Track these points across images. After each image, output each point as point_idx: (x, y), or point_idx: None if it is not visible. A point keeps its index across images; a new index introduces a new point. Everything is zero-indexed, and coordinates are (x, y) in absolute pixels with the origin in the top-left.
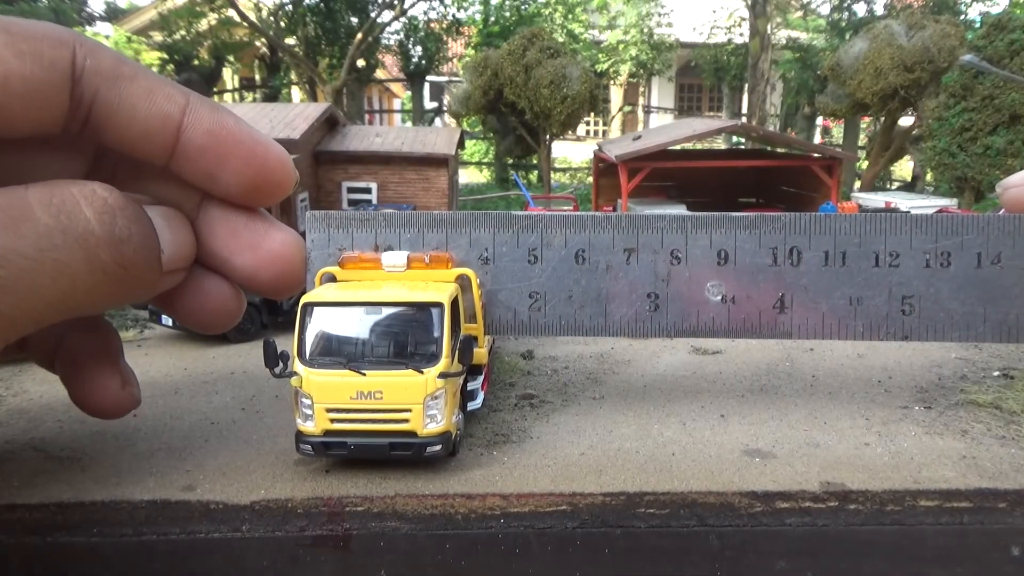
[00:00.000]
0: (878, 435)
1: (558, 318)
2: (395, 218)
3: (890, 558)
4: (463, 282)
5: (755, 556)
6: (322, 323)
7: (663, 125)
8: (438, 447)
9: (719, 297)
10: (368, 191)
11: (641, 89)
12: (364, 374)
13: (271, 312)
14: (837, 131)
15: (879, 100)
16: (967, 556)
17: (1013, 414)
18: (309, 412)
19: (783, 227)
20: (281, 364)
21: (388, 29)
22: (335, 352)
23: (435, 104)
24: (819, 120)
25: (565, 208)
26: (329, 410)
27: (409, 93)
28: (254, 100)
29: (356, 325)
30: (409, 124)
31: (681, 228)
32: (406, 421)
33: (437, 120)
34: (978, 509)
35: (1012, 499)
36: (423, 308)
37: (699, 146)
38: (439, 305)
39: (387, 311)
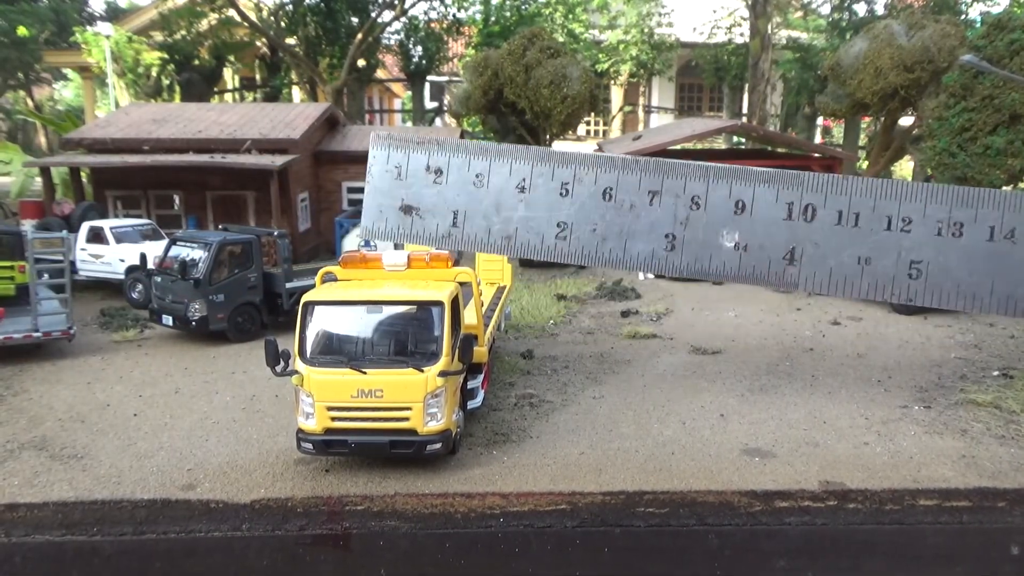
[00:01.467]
0: (878, 434)
1: (581, 248)
2: (447, 143)
3: (890, 557)
4: (465, 277)
5: (755, 555)
6: (323, 322)
7: (664, 125)
8: (438, 445)
9: (732, 244)
10: None
11: (642, 89)
12: (365, 372)
13: (271, 312)
14: (838, 131)
15: (879, 100)
16: (967, 555)
17: (1013, 413)
18: (310, 410)
19: (801, 184)
20: (282, 363)
21: (389, 29)
22: (336, 351)
23: (435, 104)
24: (819, 120)
25: None
26: (330, 408)
27: (409, 93)
28: (254, 100)
29: (357, 324)
30: (409, 124)
31: (704, 176)
32: (406, 419)
33: (437, 120)
34: (977, 508)
35: (1011, 498)
36: (423, 307)
37: (699, 146)
38: (439, 304)
39: (388, 310)
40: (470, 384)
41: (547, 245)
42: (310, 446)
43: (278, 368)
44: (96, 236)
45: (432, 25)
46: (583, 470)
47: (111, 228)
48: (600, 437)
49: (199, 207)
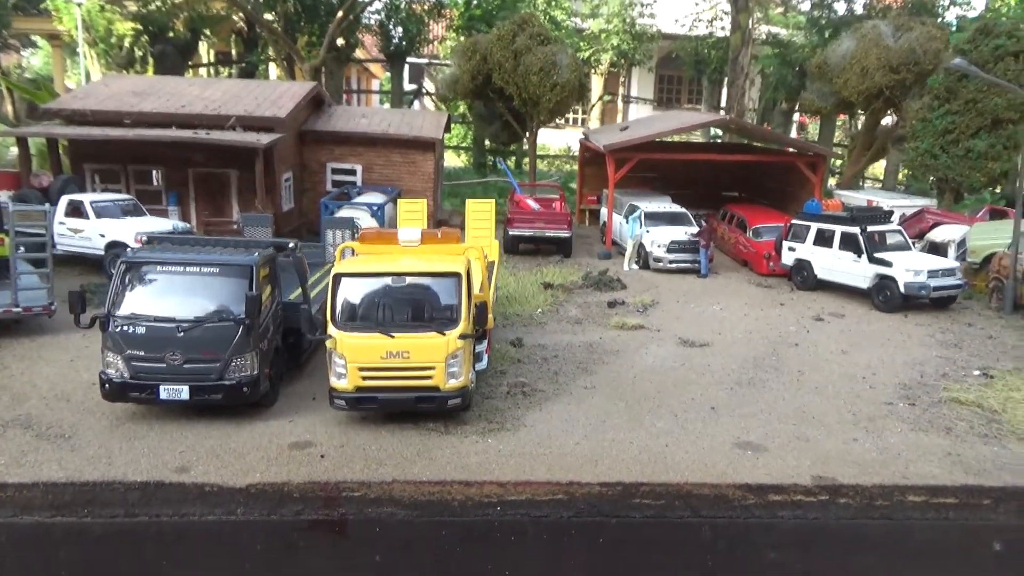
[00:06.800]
0: (865, 431)
1: None
2: None
3: (878, 551)
4: (471, 255)
5: (747, 547)
6: (351, 291)
7: (651, 116)
8: (458, 400)
9: None
10: (353, 172)
11: (621, 79)
12: (393, 336)
13: (291, 355)
14: (813, 127)
15: (864, 99)
16: (952, 550)
17: (994, 412)
18: (342, 371)
19: None
20: (319, 329)
21: (369, 8)
22: (365, 317)
23: (415, 86)
24: (796, 116)
25: (551, 197)
26: (361, 369)
27: (388, 74)
28: (229, 75)
29: (382, 293)
30: (388, 105)
31: None
32: (430, 377)
33: (416, 103)
34: (963, 505)
35: (996, 496)
36: (442, 277)
37: (676, 139)
38: (457, 275)
39: (410, 280)
40: (476, 348)
41: None
42: (343, 403)
43: (314, 334)
44: (75, 210)
45: (413, 7)
46: (579, 460)
47: (91, 202)
48: (594, 428)
49: (180, 184)
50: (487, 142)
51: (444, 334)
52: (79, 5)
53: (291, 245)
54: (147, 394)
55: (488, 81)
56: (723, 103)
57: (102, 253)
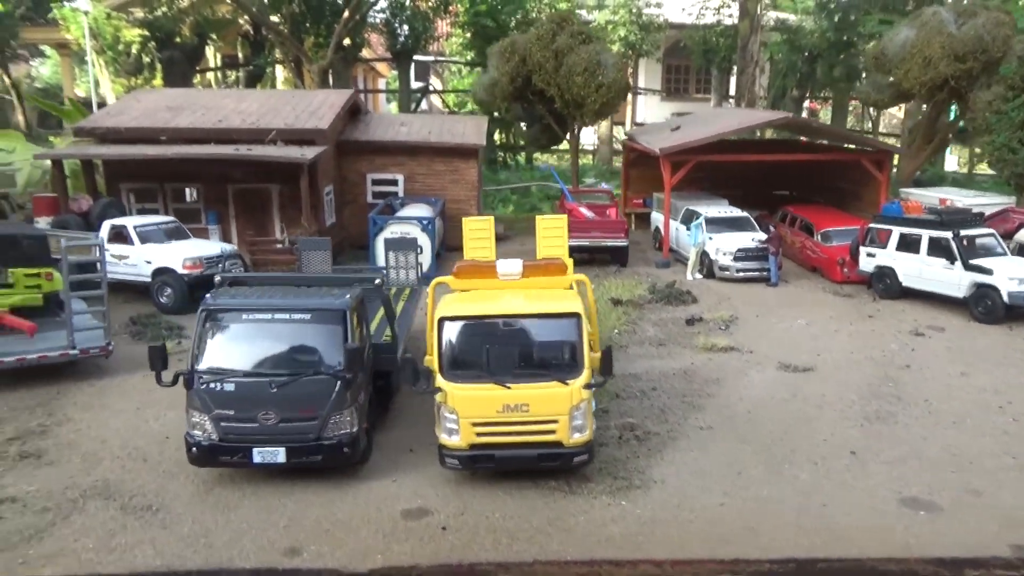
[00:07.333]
0: None
1: None
2: None
3: None
4: (579, 288)
5: None
6: (458, 337)
7: (701, 114)
8: (585, 456)
9: None
10: (395, 183)
11: (629, 70)
12: (509, 387)
13: (380, 400)
14: (824, 114)
15: (927, 90)
16: None
17: None
18: (454, 427)
19: None
20: (424, 381)
21: (374, 7)
22: (475, 365)
23: (421, 84)
24: (806, 103)
25: (604, 203)
26: (475, 424)
27: (395, 72)
28: (237, 79)
29: (492, 337)
30: (395, 104)
31: None
32: (552, 432)
33: (423, 99)
34: None
35: None
36: (559, 318)
37: (732, 137)
38: (576, 315)
39: (522, 322)
40: None
41: None
42: (456, 462)
43: (420, 386)
44: (118, 236)
45: (418, 3)
46: (733, 528)
47: (135, 227)
48: (731, 482)
49: (219, 201)
50: (496, 137)
51: (567, 383)
52: (86, 14)
53: (376, 281)
54: (239, 457)
55: (528, 83)
56: (732, 92)
57: (149, 280)
